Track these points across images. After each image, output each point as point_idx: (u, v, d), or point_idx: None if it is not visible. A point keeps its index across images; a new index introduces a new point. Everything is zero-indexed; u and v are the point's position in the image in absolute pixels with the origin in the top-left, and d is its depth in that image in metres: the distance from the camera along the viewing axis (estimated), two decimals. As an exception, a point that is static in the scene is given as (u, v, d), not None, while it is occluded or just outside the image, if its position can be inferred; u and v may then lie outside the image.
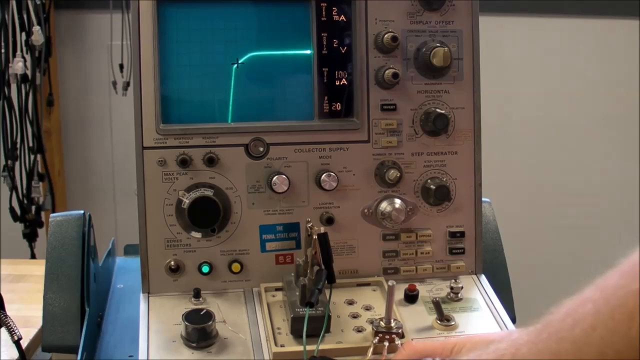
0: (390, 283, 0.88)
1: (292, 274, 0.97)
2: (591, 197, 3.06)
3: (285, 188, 1.00)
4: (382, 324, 0.90)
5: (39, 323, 1.23)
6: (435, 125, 1.02)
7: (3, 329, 1.00)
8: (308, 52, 1.02)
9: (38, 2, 2.36)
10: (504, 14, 2.82)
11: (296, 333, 0.90)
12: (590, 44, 2.93)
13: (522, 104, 2.97)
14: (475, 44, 1.05)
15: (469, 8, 1.04)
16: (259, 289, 1.00)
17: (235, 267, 1.01)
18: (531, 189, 3.05)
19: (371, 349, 0.89)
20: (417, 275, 1.05)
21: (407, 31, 1.03)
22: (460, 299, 1.01)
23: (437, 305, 0.96)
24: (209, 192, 0.98)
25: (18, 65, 2.34)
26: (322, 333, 0.89)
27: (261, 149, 1.01)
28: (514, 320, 1.04)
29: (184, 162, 0.98)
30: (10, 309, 1.01)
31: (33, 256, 2.51)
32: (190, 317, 0.90)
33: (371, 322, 0.92)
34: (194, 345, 0.89)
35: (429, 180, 1.04)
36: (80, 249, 1.09)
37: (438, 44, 1.01)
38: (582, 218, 3.07)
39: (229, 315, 0.95)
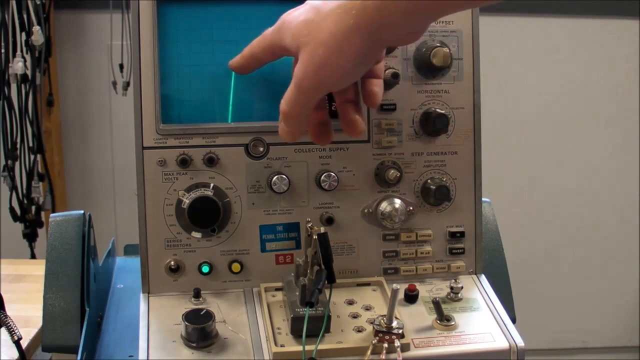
0: (394, 287, 0.87)
1: (292, 274, 0.97)
2: (591, 197, 3.06)
3: (285, 188, 1.00)
4: (383, 322, 0.90)
5: (39, 323, 1.23)
6: (435, 125, 1.02)
7: (3, 329, 1.00)
8: (308, 52, 1.02)
9: (38, 2, 2.36)
10: (504, 14, 2.83)
11: (296, 333, 0.90)
12: (590, 44, 2.94)
13: (522, 104, 2.98)
14: (475, 44, 1.05)
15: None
16: (259, 289, 1.00)
17: (235, 267, 1.01)
18: (531, 189, 3.06)
19: (370, 349, 0.89)
20: (417, 275, 1.05)
21: (407, 31, 1.03)
22: (460, 299, 1.01)
23: (437, 305, 0.96)
24: (209, 192, 0.98)
25: (18, 65, 2.34)
26: (321, 333, 0.89)
27: (261, 149, 1.01)
28: (514, 320, 1.04)
29: (184, 162, 0.98)
30: (10, 309, 1.01)
31: (33, 256, 2.52)
32: (190, 317, 0.90)
33: (372, 321, 0.92)
34: (194, 345, 0.89)
35: (429, 180, 1.04)
36: (80, 249, 1.09)
37: (438, 44, 1.01)
38: (582, 218, 3.08)
39: (229, 315, 0.95)
